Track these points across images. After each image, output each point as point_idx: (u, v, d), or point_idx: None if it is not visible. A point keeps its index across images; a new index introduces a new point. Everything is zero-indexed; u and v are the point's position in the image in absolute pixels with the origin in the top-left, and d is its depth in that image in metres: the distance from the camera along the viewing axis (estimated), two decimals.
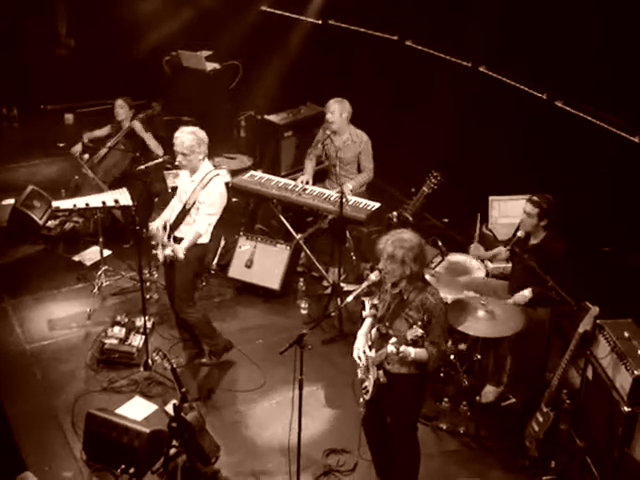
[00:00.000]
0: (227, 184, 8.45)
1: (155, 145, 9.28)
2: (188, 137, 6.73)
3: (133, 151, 9.30)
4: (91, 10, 12.28)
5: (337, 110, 8.37)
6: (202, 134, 6.84)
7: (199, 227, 6.83)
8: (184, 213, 6.88)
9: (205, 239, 6.92)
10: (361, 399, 5.71)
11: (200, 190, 6.79)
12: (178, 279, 6.98)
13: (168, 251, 6.80)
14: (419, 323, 5.18)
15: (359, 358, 5.58)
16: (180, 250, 6.75)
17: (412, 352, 5.24)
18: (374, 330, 5.60)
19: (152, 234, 6.96)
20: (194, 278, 7.21)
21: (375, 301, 5.69)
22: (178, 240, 6.87)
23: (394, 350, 5.23)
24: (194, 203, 6.81)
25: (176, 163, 6.88)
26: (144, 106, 9.72)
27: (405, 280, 5.33)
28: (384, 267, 5.34)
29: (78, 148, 9.54)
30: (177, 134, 6.80)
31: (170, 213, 7.02)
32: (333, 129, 8.40)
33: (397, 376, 5.43)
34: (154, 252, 7.00)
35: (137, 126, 9.31)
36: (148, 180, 8.61)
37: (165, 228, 6.87)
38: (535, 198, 6.58)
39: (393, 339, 5.29)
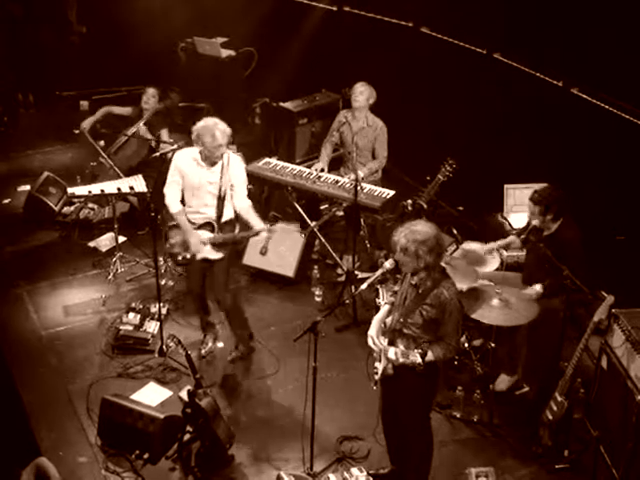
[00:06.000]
0: None
1: (167, 138, 9.28)
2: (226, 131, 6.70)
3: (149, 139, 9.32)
4: None
5: (365, 93, 8.45)
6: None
7: (247, 202, 6.94)
8: (222, 202, 6.87)
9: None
10: (373, 384, 5.72)
11: (226, 174, 6.81)
12: (223, 263, 7.00)
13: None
14: (420, 350, 5.24)
15: (372, 344, 5.59)
16: (262, 228, 6.83)
17: (419, 360, 5.27)
18: (389, 319, 5.61)
19: (197, 252, 6.91)
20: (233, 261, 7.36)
21: (396, 288, 5.68)
22: (224, 224, 6.91)
23: (393, 358, 5.34)
24: (225, 189, 6.84)
25: (210, 153, 6.72)
26: (160, 93, 9.71)
27: (423, 271, 5.33)
28: (399, 259, 5.34)
29: (87, 124, 9.57)
30: (219, 128, 6.69)
31: (190, 220, 6.92)
32: (355, 107, 8.48)
33: (405, 369, 5.39)
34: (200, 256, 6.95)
35: (142, 129, 9.30)
36: (163, 167, 8.61)
37: (212, 228, 6.88)
38: (535, 195, 6.46)
39: (401, 347, 5.38)
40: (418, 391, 5.53)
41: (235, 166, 6.87)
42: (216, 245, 6.88)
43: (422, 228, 5.28)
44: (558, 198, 6.47)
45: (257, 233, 6.86)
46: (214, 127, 6.65)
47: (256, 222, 6.88)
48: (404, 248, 5.23)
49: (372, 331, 5.62)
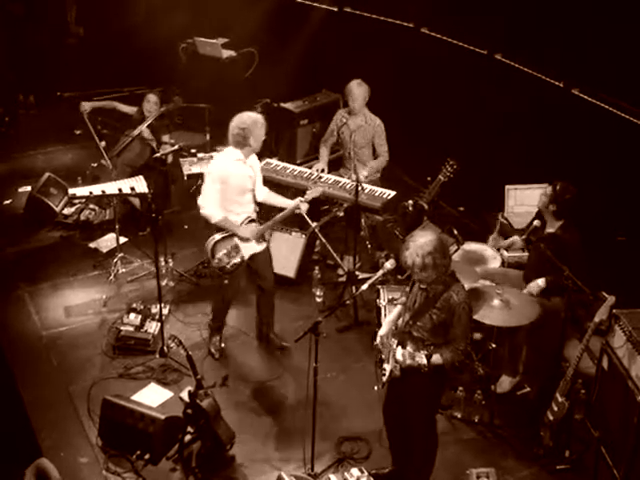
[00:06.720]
0: None
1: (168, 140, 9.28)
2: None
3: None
4: None
5: (362, 94, 8.45)
6: None
7: (265, 188, 7.25)
8: (254, 195, 7.08)
9: None
10: (377, 386, 5.72)
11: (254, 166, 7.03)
12: (267, 250, 7.24)
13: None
14: (426, 352, 5.26)
15: (382, 345, 5.59)
16: (297, 200, 7.07)
17: (424, 361, 5.26)
18: (400, 320, 5.61)
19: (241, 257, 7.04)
20: None
21: (407, 288, 5.67)
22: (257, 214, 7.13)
23: (400, 360, 5.34)
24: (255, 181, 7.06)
25: (259, 144, 6.92)
26: (161, 96, 9.71)
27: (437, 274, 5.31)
28: (421, 278, 5.30)
29: (88, 107, 9.60)
30: (260, 117, 6.88)
31: (235, 221, 6.98)
32: (354, 111, 8.49)
33: (412, 371, 5.40)
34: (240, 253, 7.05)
35: (145, 132, 9.28)
36: (165, 168, 8.63)
37: (257, 222, 7.05)
38: (558, 183, 6.55)
39: (409, 349, 5.35)
40: (424, 393, 5.53)
41: (256, 162, 7.08)
42: (260, 237, 7.06)
43: (425, 238, 5.23)
44: (570, 198, 6.53)
45: (296, 207, 7.03)
46: (257, 118, 6.82)
47: (285, 201, 7.20)
48: (422, 266, 5.18)
49: (383, 331, 5.64)
